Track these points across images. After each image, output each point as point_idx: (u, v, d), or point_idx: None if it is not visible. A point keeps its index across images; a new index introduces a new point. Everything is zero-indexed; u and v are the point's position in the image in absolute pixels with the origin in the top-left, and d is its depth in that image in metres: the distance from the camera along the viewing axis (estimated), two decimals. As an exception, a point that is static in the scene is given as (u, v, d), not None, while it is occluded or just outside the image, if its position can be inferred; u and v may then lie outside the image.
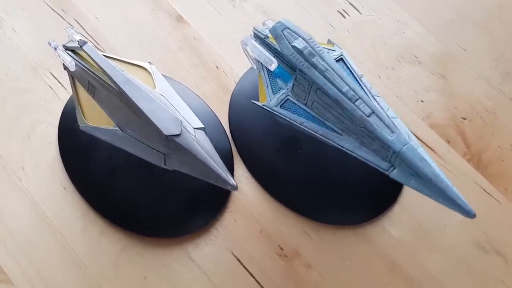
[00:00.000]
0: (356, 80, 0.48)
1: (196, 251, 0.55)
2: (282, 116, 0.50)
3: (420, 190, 0.44)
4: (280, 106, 0.50)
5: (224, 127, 0.60)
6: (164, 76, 0.53)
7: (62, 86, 0.62)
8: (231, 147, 0.59)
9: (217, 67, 0.64)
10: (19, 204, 0.56)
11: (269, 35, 0.50)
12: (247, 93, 0.60)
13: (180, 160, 0.45)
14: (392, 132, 0.45)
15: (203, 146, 0.44)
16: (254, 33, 0.52)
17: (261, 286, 0.54)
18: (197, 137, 0.45)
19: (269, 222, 0.56)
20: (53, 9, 0.66)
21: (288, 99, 0.50)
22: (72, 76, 0.52)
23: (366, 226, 0.56)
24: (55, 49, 0.51)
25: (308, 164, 0.57)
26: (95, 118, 0.51)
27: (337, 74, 0.46)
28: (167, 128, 0.44)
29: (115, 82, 0.46)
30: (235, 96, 0.61)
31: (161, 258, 0.54)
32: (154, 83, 0.51)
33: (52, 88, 0.62)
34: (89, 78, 0.50)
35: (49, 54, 0.63)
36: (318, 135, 0.48)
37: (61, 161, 0.58)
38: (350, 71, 0.49)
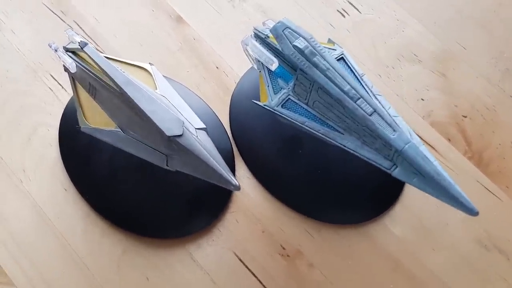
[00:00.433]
0: (357, 79, 0.48)
1: (198, 252, 0.55)
2: (283, 115, 0.49)
3: (422, 189, 0.44)
4: (282, 106, 0.50)
5: (225, 128, 0.60)
6: (164, 77, 0.53)
7: (62, 87, 0.62)
8: (232, 147, 0.59)
9: (217, 68, 0.63)
10: (20, 206, 0.56)
11: (270, 35, 0.50)
12: (247, 93, 0.60)
13: (182, 161, 0.45)
14: (394, 130, 0.45)
15: (205, 147, 0.44)
16: (255, 33, 0.52)
17: (264, 286, 0.54)
18: (199, 137, 0.45)
19: (271, 222, 0.56)
20: (52, 11, 0.66)
21: (289, 98, 0.50)
22: (73, 78, 0.52)
23: (368, 225, 0.56)
24: (56, 50, 0.51)
25: (309, 164, 0.57)
26: (96, 120, 0.51)
27: (338, 73, 0.46)
28: (169, 129, 0.44)
29: (116, 83, 0.46)
30: (235, 96, 0.61)
31: (163, 259, 0.54)
32: (155, 84, 0.50)
33: (52, 90, 0.62)
34: (90, 79, 0.49)
35: (48, 55, 0.63)
36: (320, 135, 0.48)
37: (62, 163, 0.58)
38: (351, 70, 0.49)
